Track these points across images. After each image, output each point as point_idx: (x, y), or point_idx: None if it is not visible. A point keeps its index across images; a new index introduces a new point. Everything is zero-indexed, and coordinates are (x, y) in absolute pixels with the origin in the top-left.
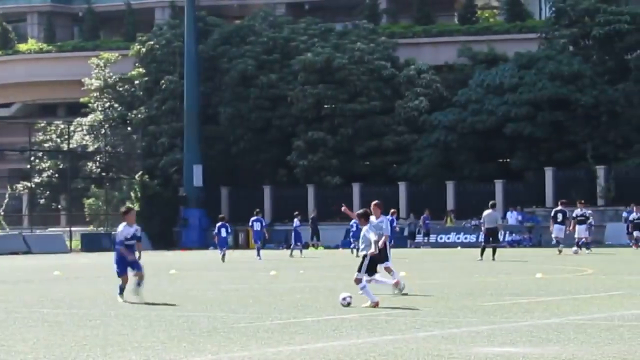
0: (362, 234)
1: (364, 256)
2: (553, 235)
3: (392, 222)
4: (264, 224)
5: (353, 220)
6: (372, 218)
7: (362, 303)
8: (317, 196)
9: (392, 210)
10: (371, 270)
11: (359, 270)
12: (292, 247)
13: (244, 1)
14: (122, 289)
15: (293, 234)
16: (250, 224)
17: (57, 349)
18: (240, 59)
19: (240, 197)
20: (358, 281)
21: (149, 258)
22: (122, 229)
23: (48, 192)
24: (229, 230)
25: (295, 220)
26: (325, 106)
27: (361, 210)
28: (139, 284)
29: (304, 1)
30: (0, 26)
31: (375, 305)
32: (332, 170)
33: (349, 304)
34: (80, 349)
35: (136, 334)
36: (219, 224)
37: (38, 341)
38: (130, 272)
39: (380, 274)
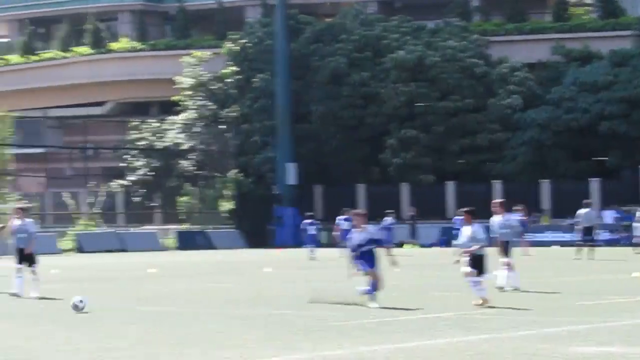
0: (472, 230)
1: (476, 253)
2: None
3: (521, 219)
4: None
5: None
6: (499, 217)
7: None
8: (411, 194)
9: (517, 207)
10: (479, 268)
11: (480, 269)
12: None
13: None
14: (373, 289)
15: (383, 232)
16: (337, 222)
17: (154, 346)
18: (332, 57)
19: (333, 195)
20: (469, 275)
21: (243, 256)
22: (354, 236)
23: (142, 190)
24: (318, 228)
25: (388, 218)
26: (418, 104)
27: (467, 208)
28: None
29: None
30: (92, 25)
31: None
32: (425, 169)
33: (78, 308)
34: (177, 346)
35: (232, 332)
36: (305, 221)
37: (136, 339)
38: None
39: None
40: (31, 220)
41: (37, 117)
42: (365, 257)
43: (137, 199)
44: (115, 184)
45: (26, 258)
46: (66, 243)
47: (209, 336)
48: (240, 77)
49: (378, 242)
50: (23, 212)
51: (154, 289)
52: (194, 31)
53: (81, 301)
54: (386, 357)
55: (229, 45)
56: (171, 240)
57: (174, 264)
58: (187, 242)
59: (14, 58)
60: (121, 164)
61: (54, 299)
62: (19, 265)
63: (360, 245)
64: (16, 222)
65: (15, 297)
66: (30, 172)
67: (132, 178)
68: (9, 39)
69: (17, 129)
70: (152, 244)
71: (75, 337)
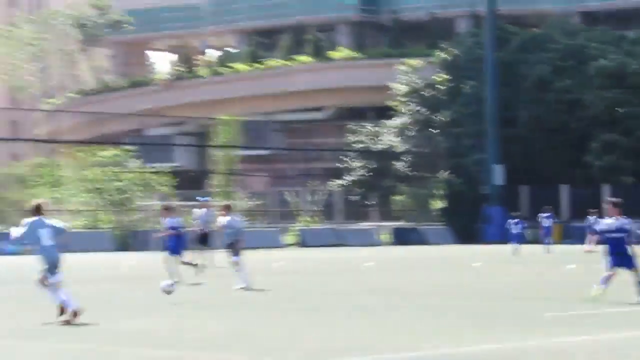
0: None
1: None
2: None
3: None
4: (553, 220)
5: None
6: None
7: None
8: (611, 195)
9: None
10: None
11: None
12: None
13: (541, 11)
14: (605, 280)
15: (587, 230)
16: (538, 219)
17: (370, 334)
18: (537, 65)
19: (538, 195)
20: None
21: (454, 251)
22: (604, 222)
23: (360, 190)
24: (524, 226)
25: (592, 217)
26: (619, 110)
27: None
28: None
29: (597, 10)
30: (313, 36)
31: None
32: (626, 171)
33: (168, 291)
34: (392, 333)
35: (441, 322)
36: (510, 220)
37: (356, 328)
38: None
39: None
40: (238, 216)
41: (263, 121)
42: (614, 245)
43: (354, 198)
44: (335, 184)
45: (232, 251)
46: (289, 238)
47: (417, 326)
48: (451, 84)
49: (627, 232)
50: (229, 209)
51: (371, 282)
52: (408, 41)
53: (172, 285)
54: (593, 348)
55: (440, 54)
56: (386, 236)
57: (389, 258)
58: (401, 237)
59: (241, 67)
60: (340, 165)
61: (264, 290)
62: (235, 259)
63: (609, 232)
64: (224, 219)
65: (241, 290)
66: (255, 172)
67: (350, 178)
68: (237, 49)
69: (244, 132)
70: (368, 240)
71: (298, 326)
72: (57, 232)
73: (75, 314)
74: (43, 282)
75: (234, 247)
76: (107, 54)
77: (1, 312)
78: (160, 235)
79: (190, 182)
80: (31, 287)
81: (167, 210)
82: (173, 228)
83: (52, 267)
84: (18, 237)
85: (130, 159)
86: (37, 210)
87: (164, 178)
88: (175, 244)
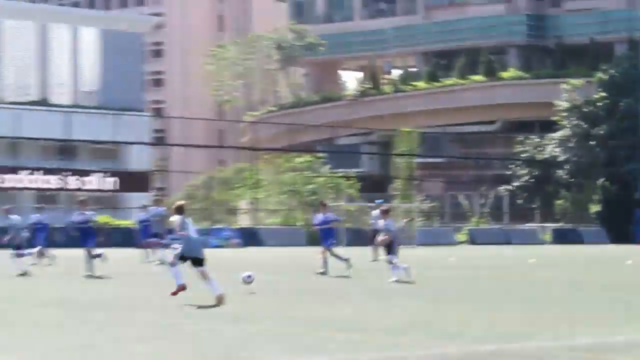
0: None
1: None
2: None
3: None
4: None
5: None
6: None
7: None
8: None
9: None
10: None
11: None
12: None
13: None
14: None
15: None
16: None
17: (528, 321)
18: None
19: None
20: None
21: (608, 250)
22: None
23: (524, 194)
24: None
25: None
26: None
27: None
28: None
29: None
30: (485, 57)
31: None
32: None
33: (246, 281)
34: (550, 324)
35: (597, 312)
36: None
37: (515, 315)
38: None
39: None
40: (391, 219)
41: (439, 132)
42: None
43: (519, 201)
44: (502, 189)
45: (388, 249)
46: (461, 236)
47: (581, 314)
48: (608, 101)
49: None
50: (387, 213)
51: (534, 275)
52: (570, 62)
53: (249, 276)
54: None
55: (599, 74)
56: (548, 236)
57: (551, 255)
58: (561, 237)
59: (421, 84)
60: (507, 172)
61: (436, 282)
62: (389, 257)
63: None
64: (382, 222)
65: (398, 283)
66: (432, 178)
67: (516, 184)
68: (417, 69)
69: (423, 142)
70: (532, 239)
71: (467, 313)
72: (199, 233)
73: (219, 299)
74: (173, 262)
75: (390, 246)
76: (303, 72)
77: (205, 298)
78: (315, 229)
79: (374, 186)
80: (231, 276)
81: (323, 206)
82: (324, 222)
83: (195, 261)
84: (182, 230)
85: (322, 164)
86: (180, 209)
87: (351, 182)
88: (325, 236)
